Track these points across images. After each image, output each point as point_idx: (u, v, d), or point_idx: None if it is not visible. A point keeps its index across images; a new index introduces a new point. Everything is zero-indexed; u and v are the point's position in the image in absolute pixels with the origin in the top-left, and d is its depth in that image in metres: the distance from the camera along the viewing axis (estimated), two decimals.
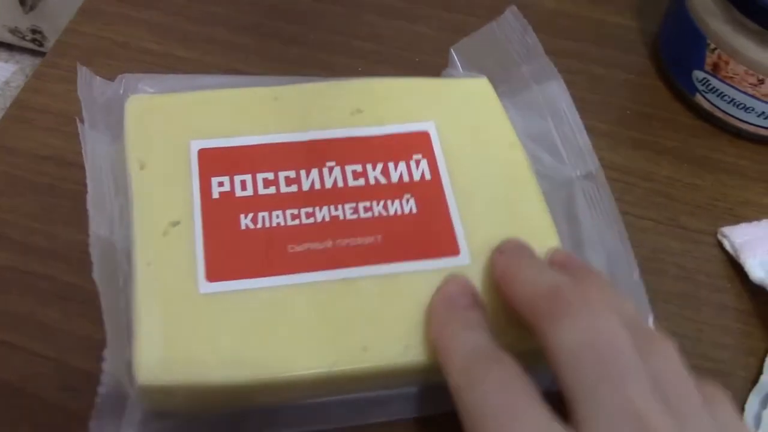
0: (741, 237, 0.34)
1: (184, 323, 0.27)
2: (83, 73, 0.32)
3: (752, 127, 0.37)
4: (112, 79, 0.33)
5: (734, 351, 0.32)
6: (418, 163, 0.31)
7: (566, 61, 0.40)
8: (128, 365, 0.26)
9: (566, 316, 0.23)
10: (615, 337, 0.23)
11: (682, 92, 0.39)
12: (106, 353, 0.25)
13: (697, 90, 0.38)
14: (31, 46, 1.01)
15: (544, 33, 0.40)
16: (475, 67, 0.35)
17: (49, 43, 0.99)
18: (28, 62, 1.02)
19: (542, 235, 0.30)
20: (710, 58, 0.36)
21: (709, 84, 0.37)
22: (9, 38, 1.01)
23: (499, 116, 0.33)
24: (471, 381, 0.24)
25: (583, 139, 0.32)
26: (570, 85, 0.34)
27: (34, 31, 0.98)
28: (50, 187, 0.34)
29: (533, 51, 0.34)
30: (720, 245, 0.35)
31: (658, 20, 0.42)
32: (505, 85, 0.34)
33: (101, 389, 0.25)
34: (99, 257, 0.28)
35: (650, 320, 0.29)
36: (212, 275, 0.28)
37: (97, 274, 0.27)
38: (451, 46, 0.36)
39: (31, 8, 0.93)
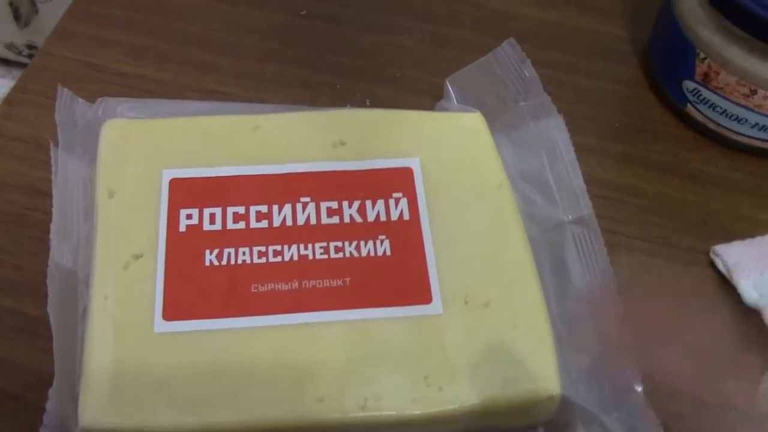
0: (734, 256, 0.32)
1: (136, 363, 0.26)
2: (63, 94, 0.32)
3: (745, 138, 0.36)
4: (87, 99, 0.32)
5: (729, 377, 0.31)
6: (397, 201, 0.30)
7: (553, 72, 0.39)
8: (75, 404, 0.25)
9: None
10: None
11: (673, 103, 0.37)
12: (52, 391, 0.25)
13: (688, 101, 0.36)
14: (27, 61, 1.01)
15: (529, 43, 0.39)
16: (470, 101, 0.34)
17: None
18: None
19: (524, 287, 0.28)
20: (700, 68, 0.35)
21: (700, 94, 0.35)
22: (5, 54, 1.01)
23: (489, 154, 0.32)
24: None
25: (578, 182, 0.31)
26: (556, 98, 0.33)
27: (30, 47, 0.97)
28: (19, 217, 0.33)
29: (531, 85, 0.33)
30: (712, 264, 0.33)
31: (648, 29, 0.40)
32: (502, 120, 0.33)
33: (43, 430, 0.24)
34: (57, 288, 0.27)
35: (636, 382, 0.27)
36: (169, 314, 0.27)
37: (52, 306, 0.26)
38: (447, 78, 0.35)
39: (26, 24, 0.93)
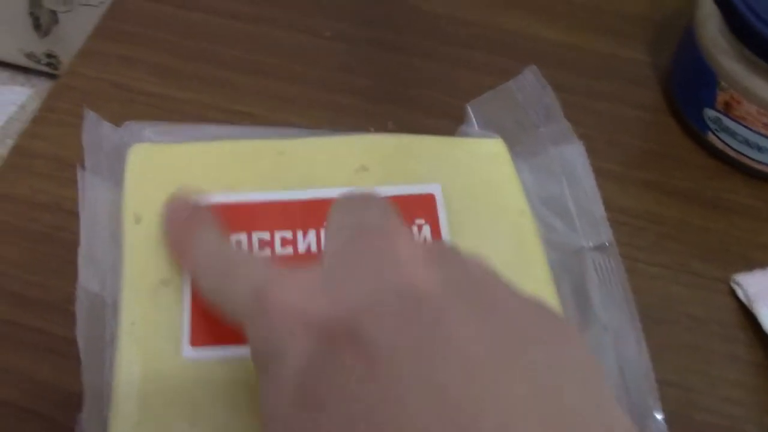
0: (755, 286, 0.33)
1: (164, 388, 0.26)
2: (90, 117, 0.32)
3: (766, 167, 0.36)
4: (110, 122, 0.33)
5: (747, 406, 0.31)
6: (420, 228, 0.30)
7: (572, 96, 0.39)
8: (104, 429, 0.25)
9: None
10: None
11: (694, 130, 0.38)
12: (81, 417, 0.25)
13: (708, 128, 0.36)
14: (46, 69, 1.02)
15: (550, 66, 0.39)
16: (491, 126, 0.34)
17: (65, 67, 0.99)
18: (44, 86, 1.03)
19: None
20: (722, 97, 0.35)
21: (721, 123, 0.36)
22: (25, 62, 1.02)
23: (510, 180, 0.32)
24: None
25: (598, 209, 0.31)
26: (576, 122, 0.33)
27: (49, 56, 0.98)
28: (45, 236, 0.33)
29: (552, 112, 0.33)
30: (733, 292, 0.33)
31: (670, 54, 0.41)
32: (522, 145, 0.33)
33: None
34: (85, 313, 0.27)
35: (656, 410, 0.28)
36: (197, 340, 0.27)
37: (80, 332, 0.26)
38: (468, 103, 0.35)
39: (46, 33, 0.94)
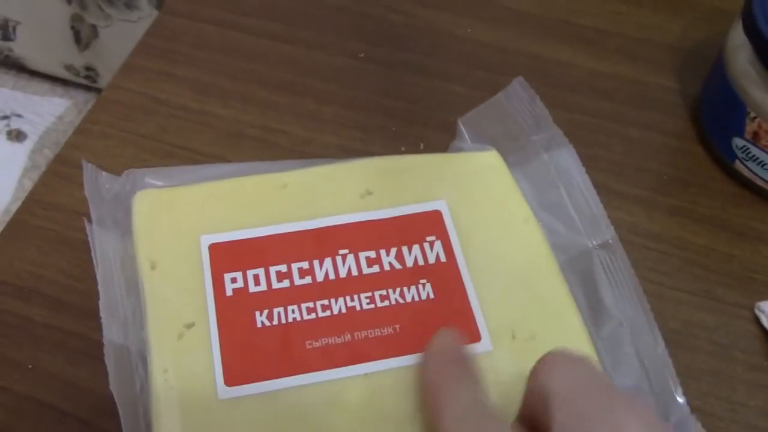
0: None
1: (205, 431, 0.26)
2: (88, 169, 0.32)
3: None
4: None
5: None
6: (432, 244, 0.31)
7: (602, 122, 0.40)
8: None
9: None
10: None
11: (722, 158, 0.38)
12: None
13: (736, 157, 0.37)
14: (84, 82, 1.04)
15: (580, 93, 0.40)
16: (483, 139, 0.35)
17: (102, 80, 1.02)
18: (82, 98, 1.05)
19: (564, 317, 0.29)
20: (750, 127, 0.35)
21: (749, 152, 0.36)
22: (64, 74, 1.04)
23: (511, 189, 0.33)
24: None
25: (597, 207, 0.32)
26: (606, 148, 0.34)
27: (88, 68, 1.01)
28: (85, 244, 0.34)
29: (542, 121, 0.34)
30: (757, 320, 0.34)
31: (699, 82, 0.41)
32: (515, 155, 0.34)
33: None
34: (114, 366, 0.27)
35: (678, 394, 0.28)
36: (231, 380, 0.27)
37: (113, 385, 0.27)
38: (459, 118, 0.36)
39: (86, 47, 0.96)
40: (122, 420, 0.26)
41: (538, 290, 0.30)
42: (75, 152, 0.38)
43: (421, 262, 0.30)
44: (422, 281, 0.30)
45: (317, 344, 0.28)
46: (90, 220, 0.31)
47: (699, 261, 0.35)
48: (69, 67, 1.02)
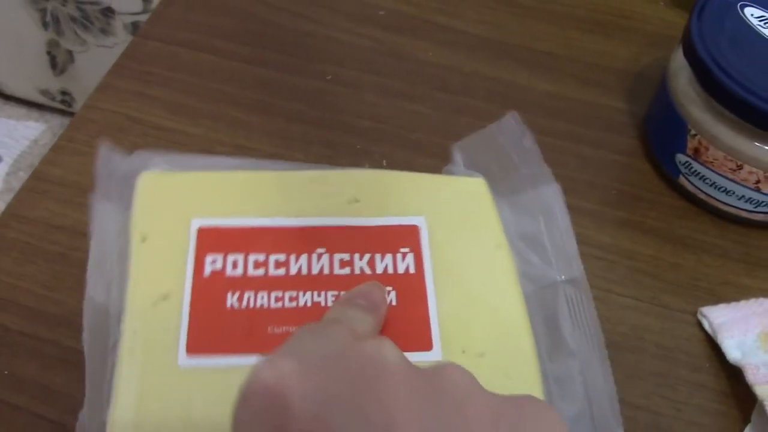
0: (719, 317, 0.35)
1: (160, 393, 0.28)
2: (103, 149, 0.35)
3: (733, 208, 0.38)
4: (125, 152, 0.35)
5: (711, 430, 0.33)
6: (404, 256, 0.33)
7: (557, 141, 0.42)
8: (102, 427, 0.27)
9: None
10: None
11: (667, 174, 0.40)
12: (82, 414, 0.27)
13: (680, 172, 0.39)
14: (60, 106, 1.06)
15: (536, 114, 0.42)
16: (475, 166, 0.37)
17: (78, 104, 1.03)
18: (57, 122, 1.06)
19: (518, 340, 0.31)
20: (691, 143, 0.38)
21: (691, 167, 0.38)
22: (40, 99, 1.05)
23: (490, 216, 0.34)
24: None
25: (571, 246, 0.34)
26: (560, 165, 0.36)
27: (63, 93, 1.02)
28: (61, 256, 0.36)
29: (531, 155, 0.36)
30: (699, 325, 0.36)
31: (647, 103, 0.44)
32: (503, 184, 0.36)
33: None
34: (90, 321, 0.30)
35: (618, 427, 0.30)
36: (192, 349, 0.29)
37: (86, 337, 0.29)
38: (454, 144, 0.38)
39: (61, 72, 0.98)
40: (87, 370, 0.29)
41: (497, 312, 0.32)
42: (51, 168, 0.39)
43: (390, 271, 0.32)
44: (388, 288, 0.32)
45: (278, 330, 0.30)
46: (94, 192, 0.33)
47: (646, 270, 0.38)
48: (44, 92, 1.03)
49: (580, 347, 0.31)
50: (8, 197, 0.98)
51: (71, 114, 1.07)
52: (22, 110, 1.06)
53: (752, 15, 0.37)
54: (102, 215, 0.33)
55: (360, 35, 0.47)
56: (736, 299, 0.36)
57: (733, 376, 0.34)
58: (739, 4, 0.38)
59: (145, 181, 0.34)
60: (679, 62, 0.38)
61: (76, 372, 0.32)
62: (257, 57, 0.45)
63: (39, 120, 1.05)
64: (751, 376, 0.32)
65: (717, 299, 0.36)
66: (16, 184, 0.98)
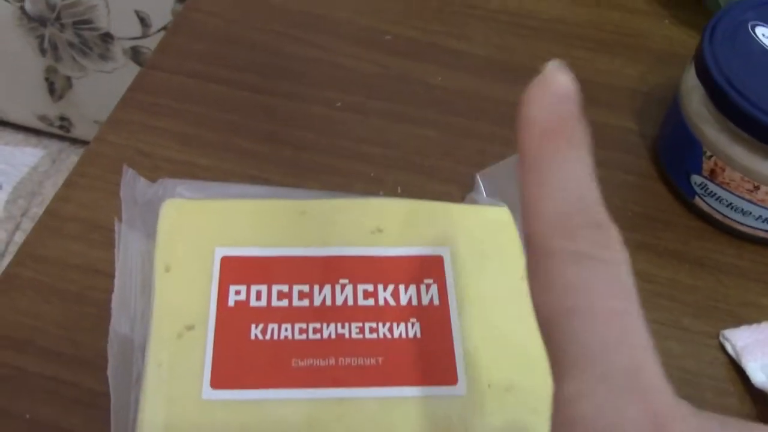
0: (742, 340, 0.35)
1: (185, 427, 0.28)
2: (128, 174, 0.35)
3: (750, 229, 0.38)
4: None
5: None
6: (428, 287, 0.32)
7: None
8: None
9: None
10: None
11: (682, 194, 0.40)
12: None
13: (695, 193, 0.39)
14: (58, 132, 1.05)
15: None
16: (498, 195, 0.37)
17: (76, 129, 1.03)
18: (56, 147, 1.06)
19: (544, 374, 0.30)
20: (707, 165, 0.38)
21: (707, 188, 0.38)
22: (38, 125, 1.05)
23: (514, 247, 0.34)
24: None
25: None
26: None
27: (62, 118, 1.02)
28: (77, 295, 0.36)
29: None
30: (722, 347, 0.36)
31: (657, 123, 0.44)
32: None
33: None
34: (115, 354, 0.30)
35: None
36: (216, 383, 0.29)
37: (111, 372, 0.29)
38: (477, 172, 0.38)
39: (60, 97, 0.97)
40: (112, 405, 0.28)
41: (522, 346, 0.31)
42: (63, 205, 0.39)
43: (414, 302, 0.32)
44: (412, 320, 0.31)
45: (302, 364, 0.30)
46: (120, 220, 0.34)
47: (665, 293, 0.37)
48: (42, 118, 1.03)
49: None
50: (8, 225, 0.98)
51: (70, 139, 1.07)
52: (19, 136, 1.05)
53: (763, 35, 0.38)
54: (126, 244, 0.33)
55: (367, 61, 0.46)
56: (758, 320, 0.36)
57: (760, 399, 0.34)
58: (749, 24, 0.38)
59: (169, 208, 0.35)
60: (691, 83, 0.38)
61: (98, 414, 0.32)
62: (265, 86, 0.45)
63: (37, 146, 1.04)
64: None
65: (738, 320, 0.36)
66: (16, 212, 0.97)
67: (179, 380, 0.29)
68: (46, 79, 0.96)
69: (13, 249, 0.95)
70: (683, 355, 0.35)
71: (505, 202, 0.36)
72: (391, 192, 0.40)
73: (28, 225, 0.96)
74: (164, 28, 0.87)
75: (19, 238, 0.97)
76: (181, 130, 0.42)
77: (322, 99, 0.44)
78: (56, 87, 0.96)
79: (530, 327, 0.32)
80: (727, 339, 0.35)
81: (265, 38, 0.47)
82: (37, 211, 0.99)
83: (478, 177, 0.37)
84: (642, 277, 0.38)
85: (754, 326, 0.36)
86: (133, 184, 0.35)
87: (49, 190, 0.97)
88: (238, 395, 0.29)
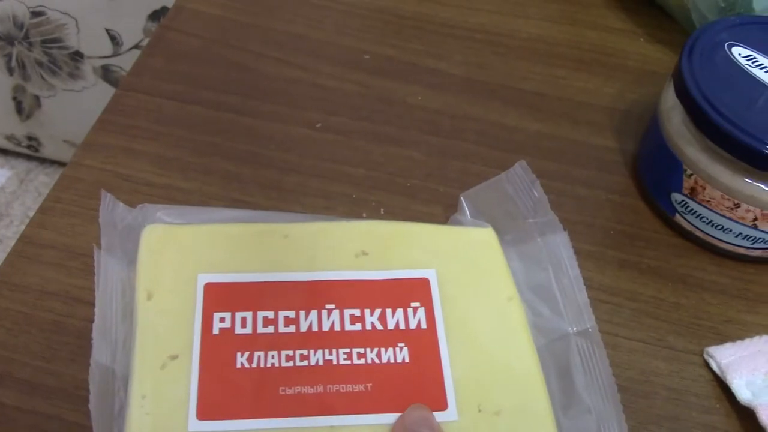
0: (726, 357, 0.35)
1: None
2: (107, 199, 0.34)
3: (730, 245, 0.39)
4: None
5: None
6: (415, 310, 0.32)
7: (551, 182, 0.42)
8: None
9: None
10: None
11: (663, 212, 0.41)
12: None
13: (676, 211, 0.39)
14: (26, 151, 1.03)
15: (528, 155, 0.42)
16: (483, 215, 0.37)
17: (45, 149, 1.01)
18: (23, 167, 1.04)
19: (533, 398, 0.31)
20: (687, 183, 0.38)
21: (688, 206, 0.39)
22: (5, 144, 1.03)
23: (500, 268, 0.34)
24: None
25: (582, 296, 0.33)
26: (556, 207, 0.36)
27: (30, 138, 1.00)
28: (56, 324, 0.35)
29: (539, 204, 0.36)
30: (707, 365, 0.36)
31: (636, 140, 0.44)
32: (511, 234, 0.36)
33: None
34: (97, 386, 0.29)
35: None
36: (203, 414, 0.29)
37: (93, 404, 0.28)
38: (461, 194, 0.38)
39: (28, 117, 0.96)
40: None
41: (511, 368, 0.31)
42: (39, 231, 0.38)
43: (402, 326, 0.32)
44: (400, 344, 0.31)
45: (290, 391, 0.29)
46: (99, 247, 0.32)
47: (649, 311, 0.38)
48: (10, 137, 1.01)
49: (595, 402, 0.31)
50: None
51: (38, 159, 1.05)
52: None
53: (740, 54, 0.38)
54: (105, 271, 0.32)
55: (347, 80, 0.46)
56: (740, 337, 0.36)
57: (746, 416, 0.34)
58: (726, 44, 0.39)
59: (150, 234, 0.34)
60: (670, 102, 0.39)
61: None
62: (245, 107, 0.44)
63: (4, 166, 1.02)
64: (764, 418, 0.32)
65: (721, 337, 0.37)
66: None
67: (164, 412, 0.29)
68: (14, 99, 0.94)
69: None
70: (668, 373, 0.35)
71: (489, 223, 0.36)
72: (374, 213, 0.40)
73: None
74: (136, 46, 0.86)
75: None
76: (159, 153, 0.42)
77: (303, 120, 0.44)
78: (24, 106, 0.94)
79: (516, 348, 0.32)
80: (711, 356, 0.36)
81: (243, 57, 0.47)
82: (5, 232, 0.97)
83: (462, 198, 0.37)
84: (627, 296, 0.38)
85: (738, 343, 0.36)
86: (111, 210, 0.34)
87: (18, 210, 0.96)
88: (226, 426, 0.29)
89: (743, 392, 0.34)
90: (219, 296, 0.32)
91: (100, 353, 0.30)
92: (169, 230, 0.34)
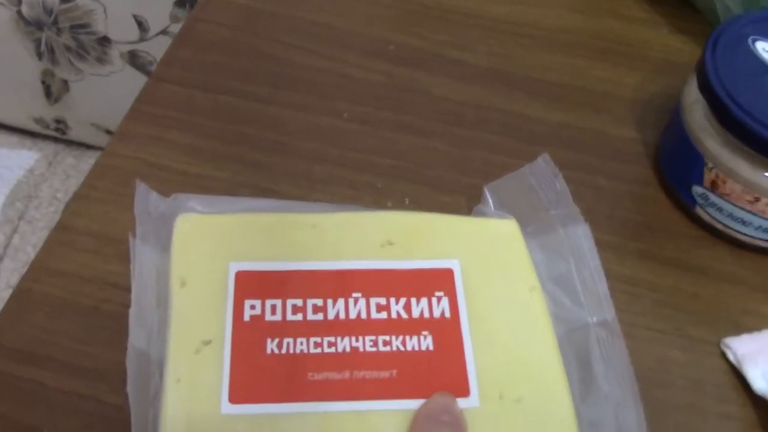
0: (743, 348, 0.36)
1: None
2: (141, 188, 0.36)
3: (750, 238, 0.39)
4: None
5: None
6: (439, 300, 0.33)
7: (573, 173, 0.42)
8: None
9: None
10: None
11: (683, 204, 0.41)
12: None
13: (696, 203, 0.40)
14: (54, 134, 1.05)
15: (551, 146, 0.43)
16: (506, 207, 0.38)
17: (72, 132, 1.03)
18: (51, 149, 1.06)
19: (553, 386, 0.32)
20: (708, 176, 0.39)
21: (708, 199, 0.39)
22: (33, 127, 1.05)
23: (523, 259, 0.35)
24: None
25: (602, 287, 0.34)
26: (578, 197, 0.37)
27: (57, 121, 1.02)
28: (93, 309, 0.36)
29: (561, 197, 0.36)
30: (724, 355, 0.37)
31: (657, 131, 0.45)
32: (533, 225, 0.37)
33: None
34: (134, 370, 0.30)
35: None
36: (235, 397, 0.30)
37: (130, 387, 0.30)
38: (485, 185, 0.38)
39: (56, 100, 0.97)
40: (132, 421, 0.29)
41: (532, 357, 0.32)
42: (75, 219, 0.39)
43: (426, 315, 0.33)
44: (424, 333, 0.32)
45: (318, 377, 0.31)
46: (134, 236, 0.34)
47: (667, 301, 0.38)
48: (38, 120, 1.03)
49: (614, 390, 0.32)
50: (6, 229, 0.98)
51: (65, 141, 1.07)
52: (14, 138, 1.05)
53: (764, 49, 0.38)
54: (141, 259, 0.34)
55: (372, 70, 0.47)
56: (758, 328, 0.37)
57: (761, 406, 0.35)
58: (750, 38, 0.39)
59: (183, 223, 0.35)
60: (693, 96, 0.39)
61: (117, 428, 0.33)
62: (273, 96, 0.45)
63: (32, 148, 1.04)
64: None
65: (739, 329, 0.37)
66: (13, 215, 0.97)
67: (198, 395, 0.30)
68: (43, 82, 0.96)
69: (11, 252, 0.95)
70: (686, 363, 0.36)
71: (512, 215, 0.37)
72: (399, 203, 0.41)
73: (25, 228, 0.96)
74: (162, 32, 0.87)
75: (17, 241, 0.97)
76: (191, 143, 0.43)
77: (330, 110, 0.45)
78: (53, 90, 0.96)
79: (537, 338, 0.33)
80: (728, 347, 0.36)
81: (273, 48, 0.48)
82: (34, 214, 0.99)
83: (486, 190, 0.38)
84: (646, 286, 0.39)
85: (755, 334, 0.37)
86: (145, 199, 0.36)
87: (46, 192, 0.97)
88: (257, 409, 0.30)
89: (759, 383, 0.35)
90: (250, 284, 0.33)
91: (136, 338, 0.32)
92: (202, 220, 0.35)
